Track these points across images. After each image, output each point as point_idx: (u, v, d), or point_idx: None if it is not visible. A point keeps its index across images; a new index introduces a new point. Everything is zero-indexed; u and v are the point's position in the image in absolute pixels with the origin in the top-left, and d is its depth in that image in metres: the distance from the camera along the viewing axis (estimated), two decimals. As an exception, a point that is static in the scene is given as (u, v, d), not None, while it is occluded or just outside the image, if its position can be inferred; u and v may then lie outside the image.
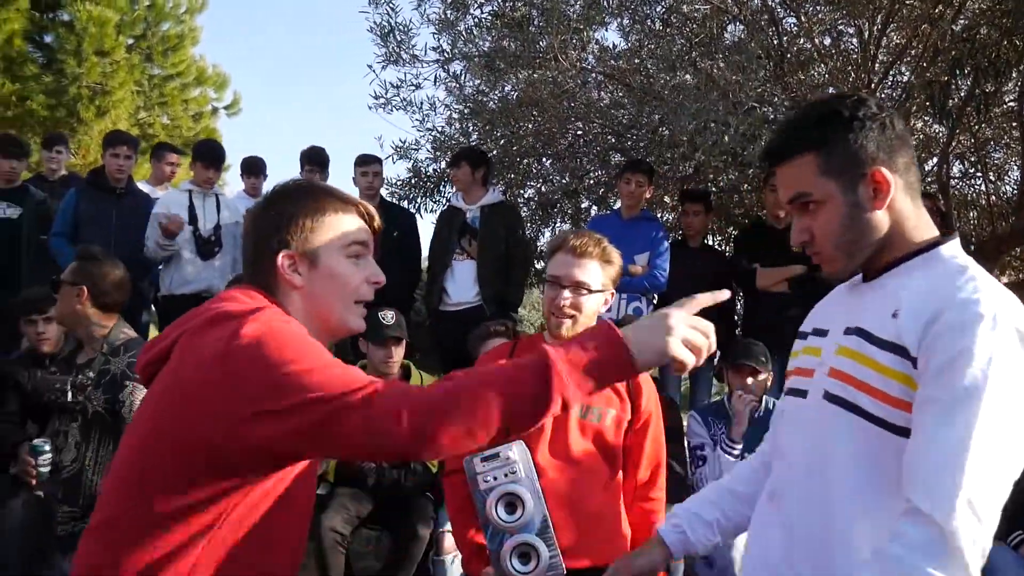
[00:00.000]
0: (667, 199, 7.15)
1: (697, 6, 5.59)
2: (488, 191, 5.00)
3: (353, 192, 5.06)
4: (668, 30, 5.88)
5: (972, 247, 5.74)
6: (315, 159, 5.52)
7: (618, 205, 5.22)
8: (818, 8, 5.56)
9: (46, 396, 2.98)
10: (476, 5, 5.97)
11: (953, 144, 5.77)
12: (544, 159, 6.87)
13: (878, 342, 1.27)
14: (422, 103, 6.51)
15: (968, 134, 5.93)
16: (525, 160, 6.75)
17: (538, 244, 6.94)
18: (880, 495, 1.24)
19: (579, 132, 6.67)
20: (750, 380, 3.62)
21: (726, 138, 4.61)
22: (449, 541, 3.50)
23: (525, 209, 6.78)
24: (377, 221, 1.42)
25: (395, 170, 11.94)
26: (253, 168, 5.92)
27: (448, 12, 5.97)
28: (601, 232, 2.27)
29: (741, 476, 1.69)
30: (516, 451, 1.76)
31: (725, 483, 1.70)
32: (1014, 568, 3.03)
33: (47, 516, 2.90)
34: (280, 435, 1.13)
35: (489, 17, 5.94)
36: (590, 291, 2.13)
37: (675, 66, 5.50)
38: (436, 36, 6.12)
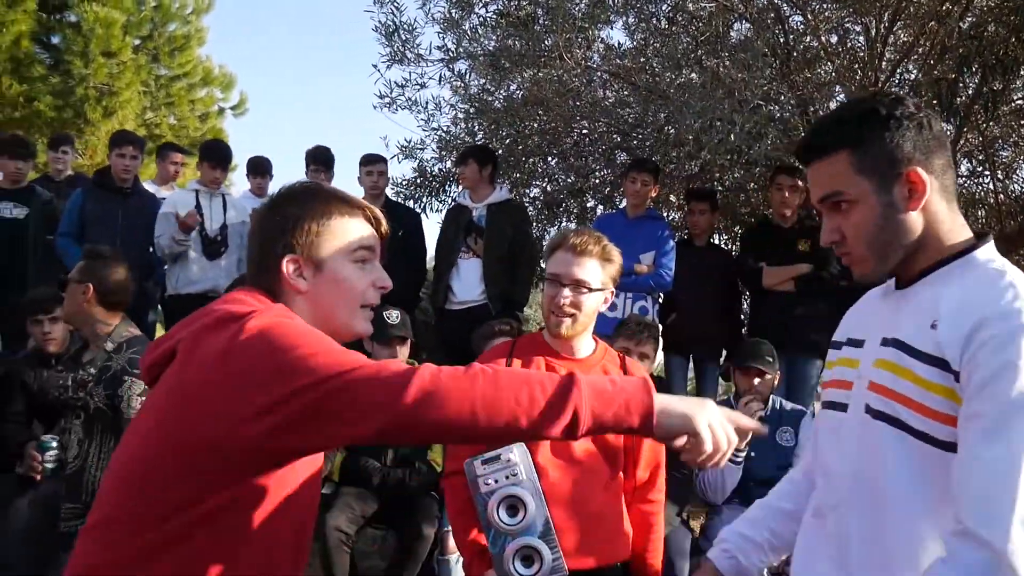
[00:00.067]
0: (673, 198, 7.12)
1: (703, 4, 5.58)
2: (495, 189, 4.98)
3: (358, 192, 5.08)
4: (674, 28, 5.86)
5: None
6: (320, 158, 5.51)
7: (624, 204, 5.20)
8: (825, 6, 5.54)
9: (50, 395, 2.99)
10: (481, 4, 5.97)
11: (961, 142, 5.72)
12: (549, 158, 6.85)
13: (918, 354, 1.24)
14: (427, 102, 6.52)
15: (976, 132, 5.89)
16: (530, 159, 6.73)
17: (543, 244, 6.93)
18: (933, 510, 1.22)
19: (584, 131, 6.65)
20: (757, 381, 3.59)
21: (732, 136, 4.59)
22: (453, 540, 3.50)
23: (531, 208, 6.77)
24: (384, 225, 1.40)
25: (400, 170, 12.01)
26: (259, 168, 5.92)
27: (453, 11, 5.97)
28: (607, 231, 2.27)
29: (785, 492, 1.66)
30: (517, 453, 1.76)
31: (771, 501, 1.67)
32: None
33: (53, 516, 2.91)
34: (287, 423, 1.12)
35: (494, 16, 5.95)
36: (590, 289, 2.14)
37: (681, 64, 5.49)
38: (441, 35, 6.14)
